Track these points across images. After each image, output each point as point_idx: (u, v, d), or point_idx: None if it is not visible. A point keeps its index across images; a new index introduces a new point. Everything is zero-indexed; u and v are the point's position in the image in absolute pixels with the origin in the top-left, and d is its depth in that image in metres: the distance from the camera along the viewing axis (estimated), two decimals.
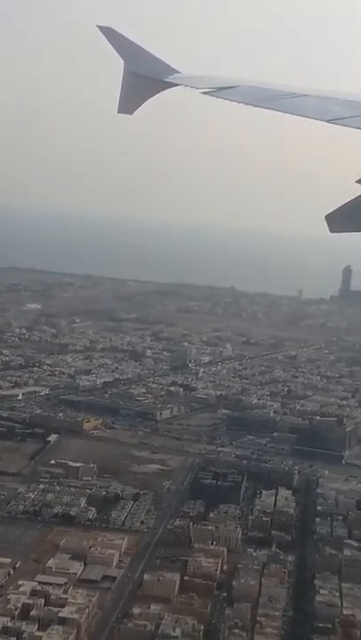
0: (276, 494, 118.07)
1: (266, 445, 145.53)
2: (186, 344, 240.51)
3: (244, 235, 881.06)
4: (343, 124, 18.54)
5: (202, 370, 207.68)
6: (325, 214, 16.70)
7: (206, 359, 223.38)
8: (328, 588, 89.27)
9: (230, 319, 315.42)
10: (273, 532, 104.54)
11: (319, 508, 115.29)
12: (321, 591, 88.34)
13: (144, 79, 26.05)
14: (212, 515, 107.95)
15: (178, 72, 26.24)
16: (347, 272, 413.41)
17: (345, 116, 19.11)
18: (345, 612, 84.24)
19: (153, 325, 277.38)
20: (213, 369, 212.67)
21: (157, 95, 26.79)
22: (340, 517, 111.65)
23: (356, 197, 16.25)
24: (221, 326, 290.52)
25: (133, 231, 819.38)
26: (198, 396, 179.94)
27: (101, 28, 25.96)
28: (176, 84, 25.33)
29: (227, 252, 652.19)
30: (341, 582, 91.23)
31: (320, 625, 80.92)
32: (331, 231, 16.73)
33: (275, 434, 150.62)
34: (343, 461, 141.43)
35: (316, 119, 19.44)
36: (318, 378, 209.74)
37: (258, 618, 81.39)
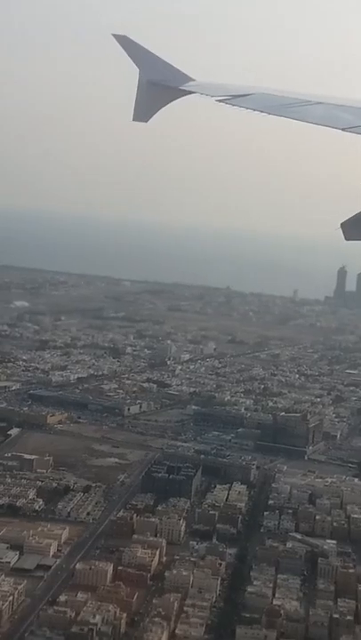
0: (230, 488, 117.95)
1: (230, 441, 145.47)
2: (169, 342, 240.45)
3: (249, 237, 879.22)
4: (357, 132, 18.58)
5: (179, 367, 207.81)
6: (341, 222, 16.59)
7: (186, 357, 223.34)
8: (263, 579, 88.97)
9: (220, 318, 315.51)
10: (219, 525, 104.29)
11: (271, 502, 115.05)
12: (255, 582, 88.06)
13: (159, 87, 26.43)
14: (159, 507, 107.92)
15: (192, 79, 26.61)
16: (342, 273, 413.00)
17: (359, 125, 19.17)
18: (276, 602, 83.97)
19: (139, 323, 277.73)
20: (192, 366, 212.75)
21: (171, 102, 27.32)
22: (290, 511, 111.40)
23: None
24: (209, 325, 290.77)
25: (137, 233, 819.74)
26: (171, 392, 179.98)
27: (117, 37, 26.30)
28: (191, 92, 25.66)
29: (231, 254, 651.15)
30: (278, 574, 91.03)
31: (247, 615, 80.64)
32: (346, 239, 16.56)
33: (240, 430, 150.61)
34: (306, 457, 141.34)
35: (330, 127, 19.48)
36: (297, 376, 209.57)
37: (185, 608, 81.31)
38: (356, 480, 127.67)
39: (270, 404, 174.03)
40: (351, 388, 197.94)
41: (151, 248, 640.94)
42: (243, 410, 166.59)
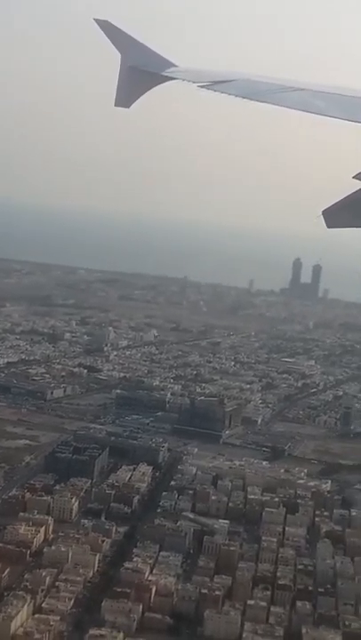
0: (134, 469, 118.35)
1: (148, 424, 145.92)
2: (111, 329, 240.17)
3: (228, 231, 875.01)
4: (343, 118, 18.45)
5: (115, 353, 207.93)
6: (322, 210, 16.51)
7: (124, 343, 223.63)
8: (144, 556, 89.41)
9: (169, 307, 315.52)
10: (113, 504, 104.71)
11: (173, 482, 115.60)
12: (135, 559, 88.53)
13: (141, 72, 26.38)
14: (57, 487, 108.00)
15: (175, 65, 26.53)
16: (297, 265, 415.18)
17: (341, 110, 19.12)
18: (152, 578, 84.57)
19: (85, 311, 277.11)
20: (128, 352, 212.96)
21: (156, 88, 27.07)
22: (190, 492, 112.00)
23: (354, 192, 16.13)
24: (157, 313, 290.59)
25: (105, 223, 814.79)
26: (100, 377, 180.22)
27: (98, 22, 26.09)
28: (173, 78, 25.62)
29: (203, 246, 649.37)
30: (162, 551, 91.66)
31: (119, 590, 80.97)
32: (328, 226, 16.49)
33: (159, 413, 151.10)
34: (221, 440, 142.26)
35: (312, 113, 19.33)
36: (233, 363, 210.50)
37: (57, 583, 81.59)
38: (264, 463, 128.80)
39: (198, 389, 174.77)
40: (284, 376, 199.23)
41: (117, 238, 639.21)
42: (169, 395, 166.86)
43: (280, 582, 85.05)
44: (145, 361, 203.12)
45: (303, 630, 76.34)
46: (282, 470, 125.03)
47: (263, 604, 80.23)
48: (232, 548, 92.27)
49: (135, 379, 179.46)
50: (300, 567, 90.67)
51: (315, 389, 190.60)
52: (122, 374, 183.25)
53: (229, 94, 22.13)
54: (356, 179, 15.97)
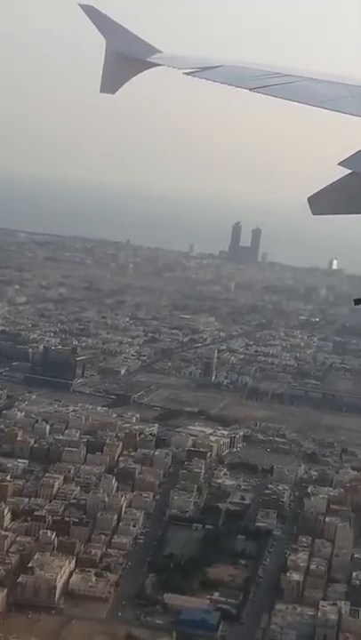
0: None
1: (2, 373, 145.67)
2: (17, 287, 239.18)
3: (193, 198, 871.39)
4: (326, 108, 17.97)
5: (7, 308, 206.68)
6: (308, 197, 16.34)
7: (22, 299, 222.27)
8: None
9: (94, 268, 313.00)
10: None
11: None
12: None
13: (126, 59, 26.25)
14: None
15: (160, 52, 26.34)
16: (237, 228, 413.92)
17: (329, 99, 18.77)
18: None
19: (1, 270, 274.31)
20: (21, 308, 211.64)
21: (143, 74, 26.75)
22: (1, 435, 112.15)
23: (340, 179, 15.87)
24: (76, 274, 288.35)
25: (67, 190, 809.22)
26: None
27: (83, 7, 25.94)
28: (159, 64, 25.43)
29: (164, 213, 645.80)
30: None
31: None
32: (314, 213, 16.29)
33: (15, 363, 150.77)
34: (71, 389, 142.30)
35: (299, 102, 18.99)
36: (127, 319, 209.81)
37: None
38: (99, 408, 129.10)
39: (76, 342, 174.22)
40: (174, 332, 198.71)
41: (69, 203, 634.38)
42: (41, 347, 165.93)
43: (36, 514, 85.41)
44: (34, 316, 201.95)
45: (35, 557, 76.76)
46: (114, 415, 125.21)
47: (7, 533, 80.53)
48: (5, 484, 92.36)
49: (13, 332, 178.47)
50: (72, 501, 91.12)
51: (200, 344, 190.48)
52: (1, 328, 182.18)
53: (215, 81, 21.85)
54: (342, 165, 15.49)
